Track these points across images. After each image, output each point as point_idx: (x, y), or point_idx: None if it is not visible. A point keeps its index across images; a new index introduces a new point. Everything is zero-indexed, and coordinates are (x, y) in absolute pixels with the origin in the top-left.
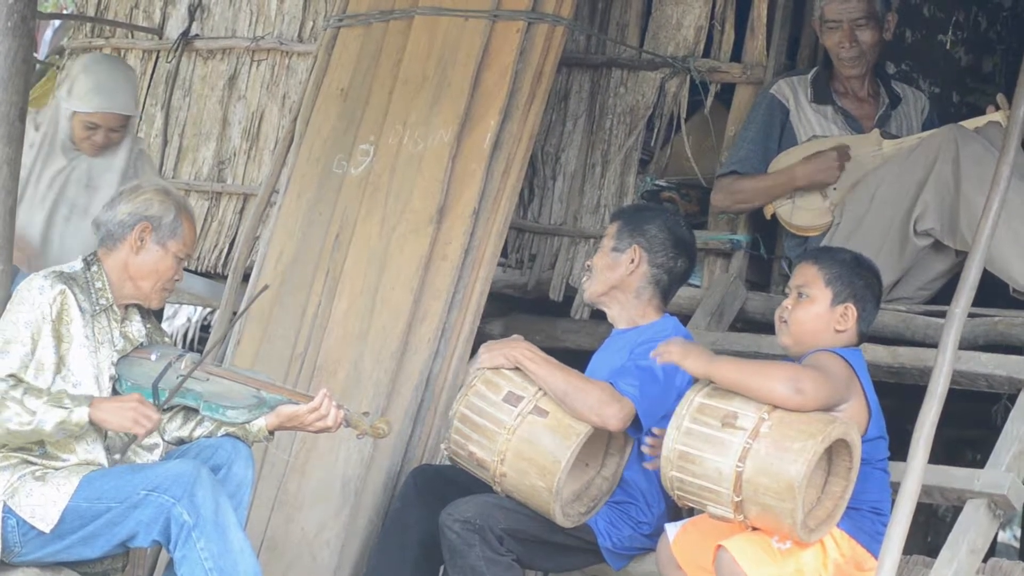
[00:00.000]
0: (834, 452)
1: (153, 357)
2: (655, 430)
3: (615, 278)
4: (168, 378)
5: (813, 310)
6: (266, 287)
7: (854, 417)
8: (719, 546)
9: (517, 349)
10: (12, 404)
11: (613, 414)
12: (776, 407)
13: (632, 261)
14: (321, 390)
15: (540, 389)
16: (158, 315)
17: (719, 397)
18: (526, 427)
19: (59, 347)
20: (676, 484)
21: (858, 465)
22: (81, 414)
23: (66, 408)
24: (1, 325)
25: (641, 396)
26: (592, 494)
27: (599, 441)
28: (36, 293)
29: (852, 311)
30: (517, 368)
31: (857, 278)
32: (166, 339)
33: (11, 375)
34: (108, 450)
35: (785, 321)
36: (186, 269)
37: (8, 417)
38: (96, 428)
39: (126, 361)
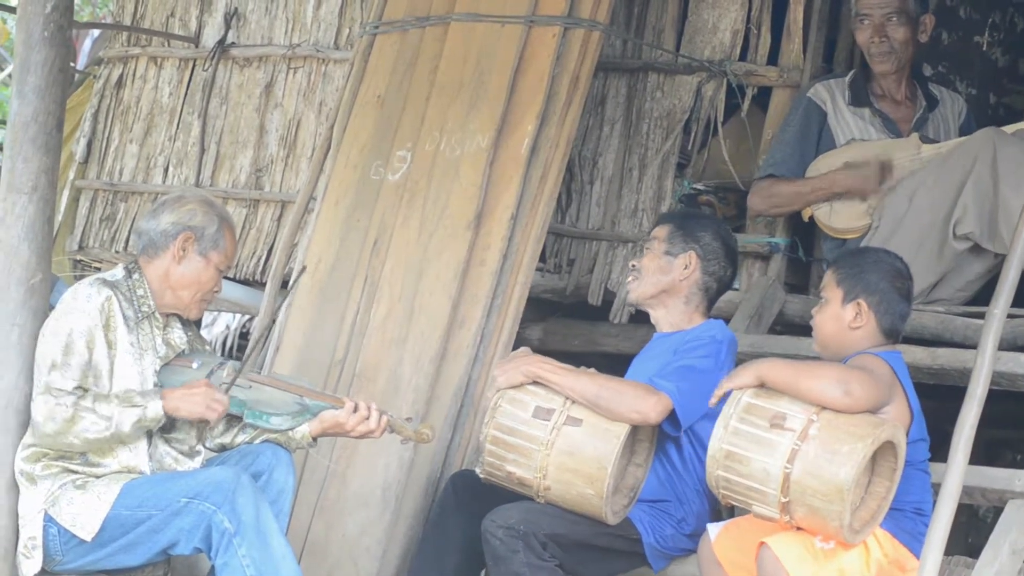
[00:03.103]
0: (878, 453)
1: (195, 365)
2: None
3: (667, 281)
4: None
5: (828, 312)
6: (304, 268)
7: (897, 419)
8: (762, 543)
9: (533, 364)
10: (86, 414)
11: (652, 407)
12: (824, 408)
13: (686, 267)
14: (345, 397)
15: (567, 398)
16: (196, 322)
17: (766, 397)
18: (563, 439)
19: (109, 353)
20: (722, 483)
21: (902, 466)
22: (156, 408)
23: (139, 406)
24: (53, 339)
25: (679, 392)
26: (629, 484)
27: (629, 433)
28: (84, 301)
29: (863, 306)
30: (536, 381)
31: (868, 273)
32: (207, 347)
33: (77, 387)
34: (198, 438)
35: (813, 328)
36: (225, 277)
37: (85, 428)
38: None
39: (168, 369)
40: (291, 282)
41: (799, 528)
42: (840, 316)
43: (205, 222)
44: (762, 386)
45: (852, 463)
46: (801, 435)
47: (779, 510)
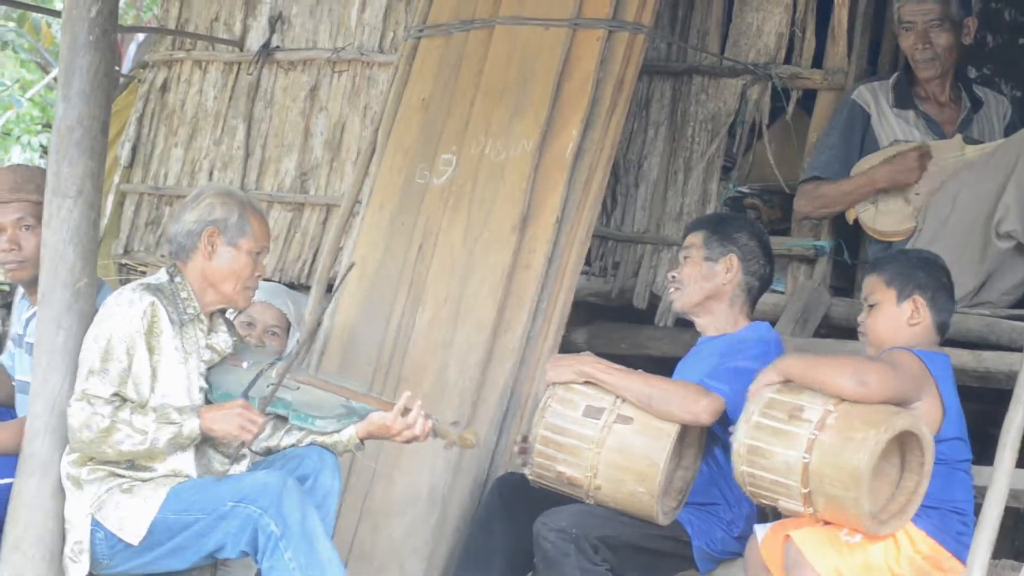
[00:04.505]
0: (907, 447)
1: (245, 364)
2: None
3: (711, 287)
4: (259, 386)
5: (882, 313)
6: (352, 265)
7: (926, 416)
8: (787, 536)
9: (586, 363)
10: (123, 427)
11: (704, 408)
12: (843, 400)
13: (728, 270)
14: (405, 393)
15: (618, 397)
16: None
17: (788, 392)
18: (614, 437)
19: (151, 359)
20: (748, 480)
21: (931, 459)
22: (192, 426)
23: (176, 423)
24: (94, 343)
25: (732, 391)
26: (677, 486)
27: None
28: (126, 307)
29: (920, 302)
30: (587, 382)
31: (917, 270)
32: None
33: (115, 394)
34: (229, 458)
35: (864, 333)
36: (271, 280)
37: (120, 440)
38: (205, 438)
39: (219, 368)
40: (339, 279)
41: (828, 523)
42: (896, 315)
43: (225, 213)
44: (787, 382)
45: (866, 449)
46: (818, 425)
47: (802, 502)
